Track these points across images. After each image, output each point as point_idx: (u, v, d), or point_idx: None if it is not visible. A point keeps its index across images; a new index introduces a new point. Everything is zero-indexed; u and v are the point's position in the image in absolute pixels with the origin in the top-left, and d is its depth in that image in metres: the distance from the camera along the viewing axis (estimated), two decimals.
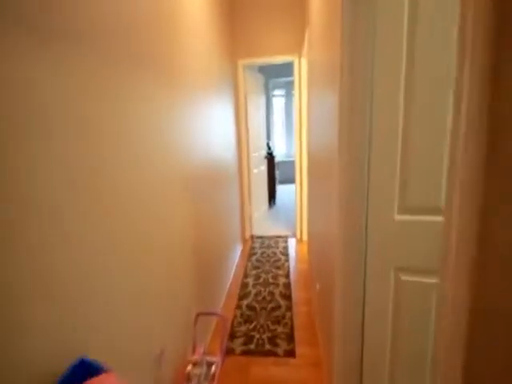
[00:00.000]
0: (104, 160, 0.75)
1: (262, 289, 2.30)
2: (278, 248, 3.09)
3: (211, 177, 1.95)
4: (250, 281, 2.43)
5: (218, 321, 1.91)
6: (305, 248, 3.10)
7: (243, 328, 1.86)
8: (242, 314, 1.99)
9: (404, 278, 1.00)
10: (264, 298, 2.18)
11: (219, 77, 2.30)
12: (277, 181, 5.05)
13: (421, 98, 0.89)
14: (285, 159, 6.18)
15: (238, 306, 2.09)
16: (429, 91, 0.88)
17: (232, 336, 1.80)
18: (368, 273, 1.03)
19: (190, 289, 1.41)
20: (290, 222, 3.82)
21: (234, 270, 2.63)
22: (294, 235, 3.38)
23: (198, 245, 1.60)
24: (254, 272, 2.58)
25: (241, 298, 2.20)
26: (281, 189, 5.68)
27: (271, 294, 2.24)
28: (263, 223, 3.81)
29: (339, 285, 1.10)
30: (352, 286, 1.07)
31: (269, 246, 3.13)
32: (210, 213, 1.88)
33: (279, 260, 2.81)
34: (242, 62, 3.02)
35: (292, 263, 2.77)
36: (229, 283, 2.40)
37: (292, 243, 3.23)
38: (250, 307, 2.08)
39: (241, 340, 1.76)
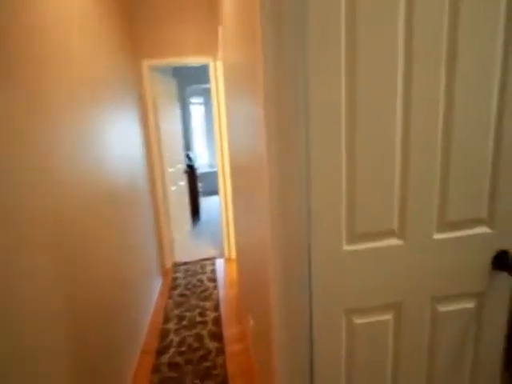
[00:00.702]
0: None
1: (187, 333, 1.92)
2: (205, 273, 2.74)
3: (106, 208, 1.49)
4: (172, 325, 2.02)
5: None
6: (234, 268, 2.84)
7: None
8: (161, 380, 1.57)
9: (357, 320, 0.84)
10: (190, 346, 1.81)
11: (113, 80, 1.84)
12: (200, 194, 4.68)
13: (366, 105, 0.73)
14: (208, 170, 5.86)
15: (156, 369, 1.66)
16: (376, 96, 0.73)
17: None
18: (315, 319, 0.84)
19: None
20: (218, 238, 3.51)
21: (150, 316, 2.15)
22: (222, 254, 3.09)
23: (82, 308, 1.14)
24: (176, 312, 2.17)
25: (159, 353, 1.77)
26: (206, 202, 5.33)
27: (199, 337, 1.88)
28: (187, 246, 3.39)
29: (279, 336, 0.87)
30: (295, 337, 0.85)
31: (195, 273, 2.75)
32: (105, 254, 1.42)
33: (207, 289, 2.47)
34: (147, 63, 2.59)
35: (221, 290, 2.47)
36: (142, 337, 1.92)
37: (220, 265, 2.93)
38: (171, 365, 1.67)
39: None
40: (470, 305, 0.87)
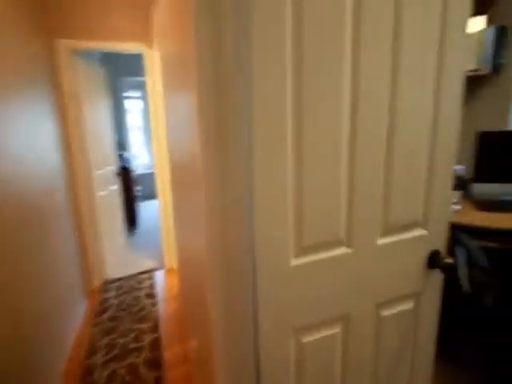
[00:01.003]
0: None
1: (118, 365, 1.65)
2: (142, 289, 2.44)
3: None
4: (99, 358, 1.71)
5: None
6: (177, 279, 2.61)
7: None
8: None
9: (306, 339, 0.79)
10: (122, 380, 1.55)
11: (9, 63, 1.45)
12: (138, 198, 4.25)
13: (312, 112, 0.66)
14: (148, 171, 5.39)
15: None
16: (322, 105, 0.67)
17: None
18: (261, 341, 0.75)
19: None
20: (158, 247, 3.21)
21: (69, 351, 1.79)
22: (163, 265, 2.82)
23: None
24: (105, 341, 1.86)
25: None
26: (145, 206, 4.88)
27: (133, 368, 1.63)
28: (121, 259, 3.01)
29: (221, 358, 0.76)
30: (239, 359, 0.75)
31: (130, 290, 2.44)
32: None
33: (144, 308, 2.20)
34: (66, 44, 2.18)
35: (162, 306, 2.23)
36: (57, 380, 1.58)
37: (160, 277, 2.66)
38: None
39: None
40: (409, 306, 0.90)
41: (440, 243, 0.89)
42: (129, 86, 5.16)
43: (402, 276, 0.86)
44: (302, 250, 0.73)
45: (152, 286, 2.49)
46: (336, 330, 0.82)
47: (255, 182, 0.66)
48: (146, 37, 2.39)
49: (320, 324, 0.80)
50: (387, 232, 0.81)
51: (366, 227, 0.78)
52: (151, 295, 2.36)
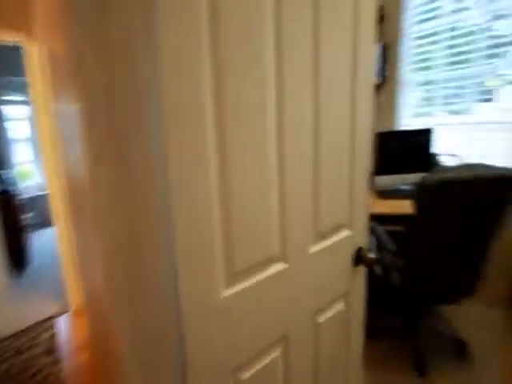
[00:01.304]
0: None
1: None
2: (37, 346, 1.91)
3: None
4: None
5: None
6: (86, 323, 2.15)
7: None
8: None
9: (245, 375, 0.70)
10: None
11: None
12: (29, 228, 3.41)
13: (236, 119, 0.57)
14: (42, 192, 4.42)
15: None
16: (248, 105, 0.58)
17: None
18: None
19: None
20: (60, 285, 2.60)
21: None
22: (68, 307, 2.29)
23: None
24: None
25: None
26: (41, 236, 3.97)
27: None
28: (3, 312, 2.31)
29: None
30: None
31: (19, 351, 1.86)
32: None
33: (42, 369, 1.70)
34: None
35: (68, 362, 1.77)
36: None
37: (65, 323, 2.14)
38: None
39: None
40: (340, 306, 0.92)
41: (363, 240, 0.93)
42: (10, 88, 4.16)
43: (333, 279, 0.87)
44: (235, 277, 0.63)
45: (52, 339, 1.97)
46: (276, 353, 0.76)
47: (173, 205, 0.52)
48: (24, 24, 1.91)
49: (260, 354, 0.71)
50: (318, 239, 0.80)
51: (299, 238, 0.75)
52: (51, 350, 1.86)
